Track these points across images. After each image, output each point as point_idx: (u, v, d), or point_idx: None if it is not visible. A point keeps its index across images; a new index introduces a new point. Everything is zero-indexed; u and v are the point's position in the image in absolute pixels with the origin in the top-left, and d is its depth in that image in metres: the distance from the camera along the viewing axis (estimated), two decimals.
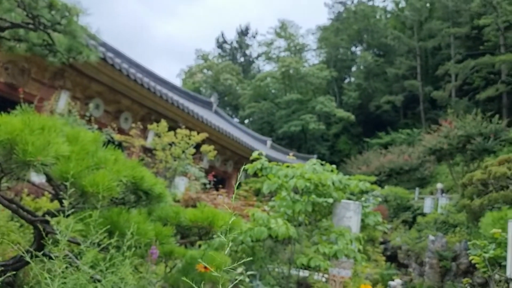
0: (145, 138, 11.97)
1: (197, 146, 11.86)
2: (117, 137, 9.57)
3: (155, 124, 10.64)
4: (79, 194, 2.39)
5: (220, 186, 12.09)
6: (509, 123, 25.02)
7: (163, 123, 10.45)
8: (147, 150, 11.42)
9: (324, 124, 35.73)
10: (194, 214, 3.24)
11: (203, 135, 10.77)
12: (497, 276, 8.02)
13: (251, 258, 5.83)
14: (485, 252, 7.36)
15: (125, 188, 2.87)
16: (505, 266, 6.71)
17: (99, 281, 2.12)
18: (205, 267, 3.77)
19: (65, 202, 2.15)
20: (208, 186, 11.54)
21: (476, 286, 10.65)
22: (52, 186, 2.96)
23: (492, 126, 21.46)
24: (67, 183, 2.13)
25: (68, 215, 2.18)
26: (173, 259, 4.02)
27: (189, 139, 10.35)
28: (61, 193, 2.44)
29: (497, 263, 7.46)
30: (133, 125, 11.00)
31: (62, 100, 10.15)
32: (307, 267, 7.32)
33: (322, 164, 6.66)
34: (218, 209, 3.77)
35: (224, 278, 3.91)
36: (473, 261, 7.92)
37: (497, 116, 22.76)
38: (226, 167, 19.17)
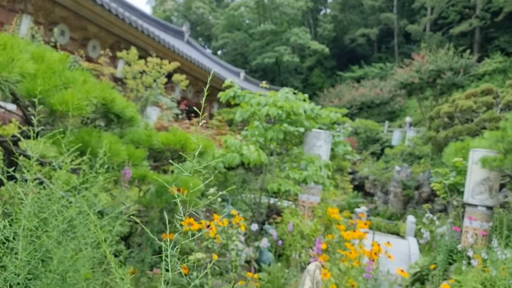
0: (115, 67, 11.61)
1: (169, 76, 11.62)
2: (85, 64, 9.24)
3: (124, 52, 10.28)
4: (47, 113, 2.35)
5: (193, 116, 12.05)
6: (479, 58, 25.40)
7: (133, 51, 10.11)
8: (117, 80, 11.12)
9: (298, 57, 35.35)
10: (166, 137, 3.25)
11: (175, 64, 10.52)
12: (455, 202, 8.56)
13: (223, 181, 5.99)
14: (446, 180, 7.79)
15: (95, 109, 2.83)
16: (463, 192, 7.14)
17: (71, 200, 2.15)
18: (178, 190, 3.86)
19: (34, 120, 2.11)
20: (180, 116, 11.48)
21: (435, 212, 11.37)
22: (20, 107, 2.89)
23: (462, 61, 21.77)
24: (35, 100, 2.08)
25: (37, 134, 2.15)
26: (147, 183, 4.08)
27: (160, 68, 10.10)
28: (29, 112, 2.40)
29: (456, 189, 7.93)
30: (102, 52, 10.60)
31: (24, 25, 9.60)
32: (278, 195, 7.59)
33: (294, 93, 6.68)
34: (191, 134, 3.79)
35: (197, 202, 4.03)
36: (434, 188, 8.40)
37: (468, 51, 23.03)
38: (198, 98, 18.98)
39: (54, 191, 1.97)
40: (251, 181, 7.87)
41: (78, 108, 2.34)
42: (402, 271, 4.38)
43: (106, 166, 2.43)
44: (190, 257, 3.10)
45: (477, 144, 6.96)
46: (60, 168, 2.16)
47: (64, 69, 2.72)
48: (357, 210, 11.37)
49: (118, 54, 10.59)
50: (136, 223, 3.82)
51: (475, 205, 6.64)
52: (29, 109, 2.71)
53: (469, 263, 5.90)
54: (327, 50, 34.88)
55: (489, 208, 6.65)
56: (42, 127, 2.41)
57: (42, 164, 2.90)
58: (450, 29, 29.34)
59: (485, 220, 6.56)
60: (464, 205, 7.22)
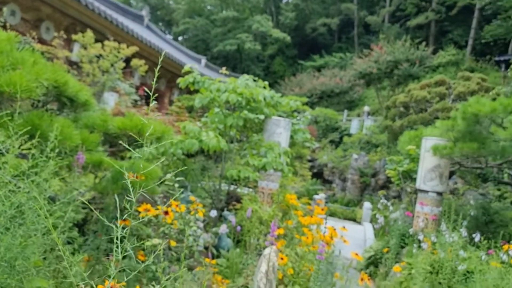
0: (70, 50, 11.18)
1: (128, 61, 11.32)
2: (38, 46, 8.85)
3: (80, 34, 9.91)
4: None
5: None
6: (434, 50, 26.30)
7: (89, 34, 9.76)
8: (73, 63, 10.72)
9: (260, 45, 35.31)
10: (122, 122, 3.18)
11: (133, 49, 10.26)
12: (408, 189, 8.90)
13: (183, 168, 5.94)
14: (400, 167, 8.07)
15: (46, 92, 2.72)
16: (415, 179, 7.43)
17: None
18: (136, 176, 3.80)
19: None
20: (139, 102, 11.24)
21: (390, 198, 11.79)
22: None
23: (418, 53, 22.48)
24: None
25: None
26: (103, 169, 3.98)
27: (118, 52, 9.82)
28: None
29: (409, 176, 8.24)
30: (56, 34, 10.17)
31: None
32: (238, 182, 7.62)
33: (255, 80, 6.69)
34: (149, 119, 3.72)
35: (155, 188, 3.98)
36: (389, 175, 8.69)
37: (424, 43, 23.79)
38: (158, 85, 18.63)
39: (1, 175, 1.89)
40: (211, 168, 7.84)
41: (27, 90, 2.25)
42: (357, 254, 4.53)
43: (57, 151, 2.36)
44: (147, 243, 3.08)
45: (429, 132, 7.24)
46: (8, 152, 2.07)
47: (12, 49, 2.60)
48: (315, 196, 11.59)
49: (74, 37, 10.20)
50: (92, 210, 3.74)
51: (426, 191, 6.93)
52: None
53: (419, 246, 6.16)
54: (288, 38, 35.03)
55: (439, 194, 6.96)
56: None
57: None
58: (408, 21, 30.16)
59: (435, 205, 6.86)
60: (416, 191, 7.51)
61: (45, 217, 1.52)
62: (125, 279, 1.44)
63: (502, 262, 4.78)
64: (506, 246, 4.47)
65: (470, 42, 26.15)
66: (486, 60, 24.41)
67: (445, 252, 5.57)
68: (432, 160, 6.91)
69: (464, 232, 5.91)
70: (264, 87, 6.73)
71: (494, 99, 6.66)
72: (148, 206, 3.39)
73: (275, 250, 2.85)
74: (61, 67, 2.92)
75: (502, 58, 23.31)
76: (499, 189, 10.28)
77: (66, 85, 2.89)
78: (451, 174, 11.39)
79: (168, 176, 3.78)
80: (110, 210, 3.32)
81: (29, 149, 2.33)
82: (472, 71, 20.13)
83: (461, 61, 25.02)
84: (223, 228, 5.23)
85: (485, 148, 6.39)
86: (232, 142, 7.03)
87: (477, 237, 5.76)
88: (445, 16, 28.41)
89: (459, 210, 6.60)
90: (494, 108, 5.67)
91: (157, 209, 3.44)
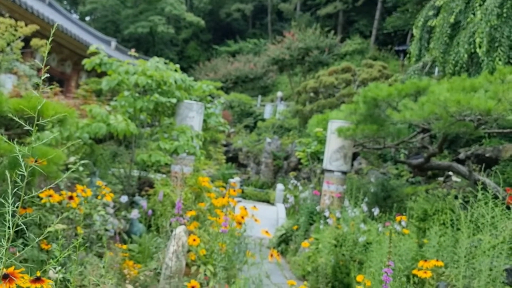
0: None
1: (27, 41, 10.45)
2: None
3: None
4: None
5: (57, 86, 11.09)
6: (342, 39, 27.68)
7: None
8: None
9: (173, 28, 34.48)
10: (19, 103, 2.98)
11: (33, 27, 9.49)
12: (318, 171, 9.39)
13: (89, 154, 5.71)
14: (308, 148, 8.49)
15: None
16: (323, 160, 7.87)
17: None
18: (36, 161, 3.59)
19: None
20: (42, 86, 10.48)
21: (301, 179, 12.34)
22: None
23: (328, 41, 23.53)
24: None
25: None
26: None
27: (16, 30, 9.03)
28: None
29: (317, 157, 8.70)
30: None
31: None
32: (150, 167, 7.48)
33: (166, 63, 6.57)
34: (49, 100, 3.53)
35: (58, 173, 3.80)
36: (298, 156, 9.10)
37: (333, 32, 24.93)
38: (64, 67, 17.48)
39: None
40: (123, 154, 7.61)
41: None
42: (267, 232, 4.72)
43: None
44: (49, 229, 2.93)
45: (334, 115, 7.69)
46: None
47: None
48: (230, 180, 11.77)
49: None
50: None
51: (332, 171, 7.38)
52: None
53: (326, 223, 6.57)
54: (202, 22, 34.64)
55: (344, 173, 7.45)
56: None
57: None
58: (318, 10, 31.32)
59: (340, 184, 7.34)
60: (323, 171, 7.97)
61: None
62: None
63: (396, 232, 5.28)
64: (398, 218, 4.94)
65: (374, 32, 27.87)
66: (387, 50, 26.23)
67: (348, 226, 6.01)
68: (337, 142, 7.36)
69: (365, 207, 6.42)
70: (176, 70, 6.64)
71: (390, 85, 7.24)
72: (51, 191, 3.23)
73: (184, 229, 2.89)
74: None
75: (401, 48, 25.25)
76: (397, 168, 11.24)
77: None
78: (356, 155, 12.20)
79: (72, 159, 3.62)
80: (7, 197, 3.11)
81: None
82: (375, 59, 21.54)
83: (366, 50, 26.62)
84: (134, 213, 5.14)
85: (384, 130, 6.94)
86: (143, 126, 6.87)
87: (376, 211, 6.28)
88: (352, 7, 29.93)
89: (361, 188, 7.13)
90: (390, 93, 6.17)
91: (61, 194, 3.29)
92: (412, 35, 11.84)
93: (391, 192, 7.71)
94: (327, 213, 6.66)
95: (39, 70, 11.45)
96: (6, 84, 9.18)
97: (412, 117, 5.38)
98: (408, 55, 11.65)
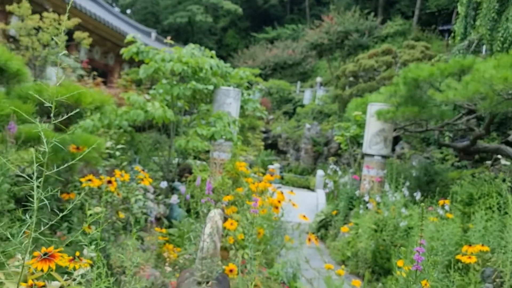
0: (8, 23, 10.53)
1: (70, 35, 10.80)
2: None
3: (15, 5, 9.33)
4: None
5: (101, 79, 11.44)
6: (382, 20, 26.83)
7: (25, 4, 9.20)
8: (10, 37, 10.12)
9: (211, 17, 34.65)
10: (58, 91, 3.07)
11: (75, 21, 9.78)
12: (358, 156, 9.21)
13: (129, 141, 5.85)
14: (347, 132, 8.33)
15: None
16: (362, 144, 7.71)
17: None
18: (77, 148, 3.72)
19: None
20: (87, 78, 10.82)
21: (342, 164, 12.16)
22: None
23: (367, 23, 22.89)
24: None
25: None
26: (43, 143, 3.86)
27: (59, 24, 9.34)
28: None
29: (357, 142, 8.53)
30: None
31: None
32: (189, 153, 7.60)
33: (201, 50, 6.60)
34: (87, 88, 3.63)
35: (98, 159, 3.91)
36: (337, 141, 8.96)
37: (372, 14, 24.21)
38: (107, 60, 17.99)
39: None
40: (163, 142, 7.76)
41: None
42: (304, 216, 4.69)
43: None
44: (88, 212, 3.04)
45: (374, 98, 7.49)
46: None
47: None
48: (269, 166, 11.78)
49: (8, 7, 9.60)
50: (28, 180, 3.63)
51: (372, 155, 7.21)
52: None
53: (366, 207, 6.45)
54: (240, 10, 34.57)
55: (384, 157, 7.27)
56: None
57: None
58: None
59: (380, 168, 7.17)
60: (363, 156, 7.81)
61: None
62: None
63: (439, 217, 5.10)
64: (441, 201, 4.77)
65: (417, 12, 26.82)
66: (431, 30, 25.19)
67: (389, 211, 5.87)
68: (377, 125, 7.17)
69: (406, 192, 6.24)
70: (211, 57, 6.66)
71: (433, 66, 6.95)
72: (91, 176, 3.34)
73: (219, 212, 2.91)
74: None
75: (445, 28, 24.16)
76: (441, 152, 10.85)
77: None
78: (398, 139, 11.87)
79: (108, 144, 3.72)
80: (50, 182, 3.24)
81: None
82: (418, 40, 20.74)
83: (408, 31, 25.69)
84: (173, 199, 5.24)
85: (426, 112, 6.69)
86: (181, 113, 6.96)
87: (418, 195, 6.09)
88: None
89: (403, 172, 6.93)
90: (432, 73, 5.92)
91: (101, 179, 3.40)
92: (457, 13, 11.28)
93: (434, 177, 7.45)
94: (366, 198, 6.53)
95: (83, 62, 11.84)
96: (52, 77, 9.55)
97: (456, 97, 5.14)
98: (452, 34, 11.13)
